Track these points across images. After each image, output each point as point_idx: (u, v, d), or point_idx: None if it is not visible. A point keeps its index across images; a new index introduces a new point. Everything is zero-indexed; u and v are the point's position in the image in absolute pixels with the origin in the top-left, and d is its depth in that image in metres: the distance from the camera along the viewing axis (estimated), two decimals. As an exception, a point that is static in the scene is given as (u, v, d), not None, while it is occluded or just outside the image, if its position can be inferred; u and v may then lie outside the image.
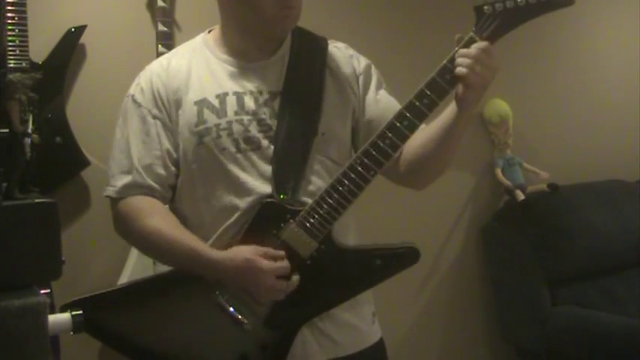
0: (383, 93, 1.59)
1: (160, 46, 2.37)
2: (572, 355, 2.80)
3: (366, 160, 1.39)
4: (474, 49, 1.35)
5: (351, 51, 1.61)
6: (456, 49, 1.38)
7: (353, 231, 1.57)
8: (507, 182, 3.12)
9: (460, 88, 1.37)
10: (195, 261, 1.41)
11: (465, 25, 1.42)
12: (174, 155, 1.50)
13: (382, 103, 1.57)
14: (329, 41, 1.60)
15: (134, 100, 1.51)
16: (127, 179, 1.48)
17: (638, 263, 3.13)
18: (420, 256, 1.45)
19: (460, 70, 1.35)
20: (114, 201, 1.51)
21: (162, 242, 1.44)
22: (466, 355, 3.21)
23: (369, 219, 1.65)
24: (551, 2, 1.37)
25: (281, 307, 1.42)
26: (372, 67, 1.61)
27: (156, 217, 1.46)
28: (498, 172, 3.16)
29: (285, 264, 1.39)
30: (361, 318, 1.54)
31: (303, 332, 1.46)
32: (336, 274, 1.45)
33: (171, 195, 1.54)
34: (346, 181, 1.40)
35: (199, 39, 1.58)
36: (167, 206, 1.54)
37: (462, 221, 3.20)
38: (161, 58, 1.57)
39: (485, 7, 1.38)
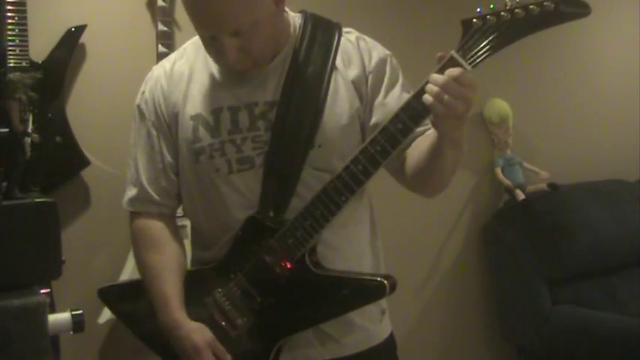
0: (393, 94, 1.46)
1: (160, 45, 2.36)
2: (572, 355, 2.80)
3: (338, 185, 1.34)
4: (445, 76, 1.19)
5: (363, 44, 1.48)
6: (433, 71, 1.23)
7: (368, 241, 1.53)
8: (507, 182, 3.12)
9: (432, 116, 1.25)
10: (166, 318, 1.44)
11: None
12: (176, 167, 1.51)
13: (390, 106, 1.43)
14: (343, 31, 1.49)
15: (140, 111, 1.51)
16: (134, 192, 1.51)
17: (638, 263, 3.13)
18: (385, 292, 1.37)
19: (426, 98, 1.21)
20: (130, 213, 1.54)
21: (153, 282, 1.47)
22: (466, 355, 3.21)
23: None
24: (560, 13, 1.17)
25: (260, 322, 1.43)
26: (388, 60, 1.48)
27: (158, 254, 1.49)
28: (498, 171, 3.16)
29: None
30: (367, 317, 1.51)
31: (306, 332, 1.45)
32: (307, 297, 1.42)
33: (178, 203, 1.55)
34: (319, 204, 1.35)
35: None
36: (173, 231, 1.55)
37: (462, 221, 3.20)
38: (165, 61, 1.54)
39: (475, 21, 1.19)
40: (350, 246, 1.48)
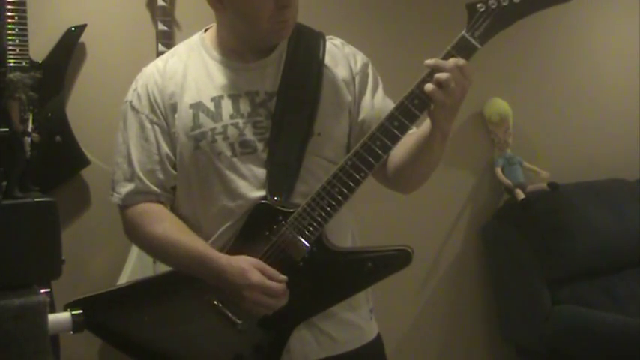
0: (379, 95, 1.57)
1: (160, 45, 2.36)
2: (572, 354, 2.80)
3: (357, 162, 1.39)
4: (451, 63, 1.33)
5: (348, 49, 1.59)
6: (448, 47, 1.36)
7: (352, 232, 1.57)
8: (507, 181, 3.12)
9: (431, 105, 1.36)
10: (201, 264, 1.42)
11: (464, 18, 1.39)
12: (174, 159, 1.51)
13: (378, 105, 1.55)
14: (327, 37, 1.58)
15: (132, 106, 1.52)
16: (130, 187, 1.50)
17: (638, 262, 3.13)
18: (411, 258, 1.43)
19: (432, 84, 1.33)
20: (121, 208, 1.53)
21: (169, 246, 1.46)
22: (466, 355, 3.21)
23: (368, 218, 1.65)
24: None
25: None
26: (370, 65, 1.59)
27: (164, 223, 1.48)
28: (498, 171, 3.15)
29: (277, 286, 1.38)
30: (359, 315, 1.54)
31: (302, 330, 1.47)
32: (328, 276, 1.45)
33: (174, 196, 1.54)
34: (337, 183, 1.39)
35: (196, 38, 1.57)
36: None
37: (462, 221, 3.19)
38: (157, 60, 1.57)
39: (479, 5, 1.36)
40: (339, 227, 1.50)
